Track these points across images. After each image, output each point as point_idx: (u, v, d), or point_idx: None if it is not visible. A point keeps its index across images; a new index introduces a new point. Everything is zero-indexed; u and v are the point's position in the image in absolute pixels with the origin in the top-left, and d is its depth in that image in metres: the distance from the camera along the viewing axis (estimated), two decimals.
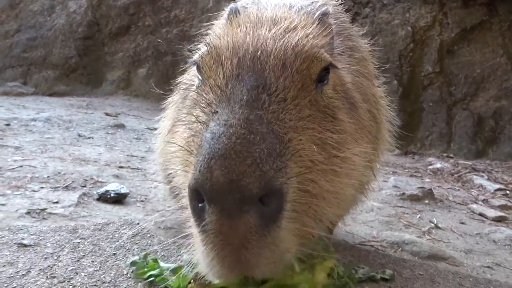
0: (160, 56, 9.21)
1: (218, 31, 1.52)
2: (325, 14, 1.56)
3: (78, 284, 1.35)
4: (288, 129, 1.11)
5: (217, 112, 1.12)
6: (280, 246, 1.04)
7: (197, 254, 1.09)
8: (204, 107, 1.22)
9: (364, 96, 1.78)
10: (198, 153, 1.04)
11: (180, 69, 2.14)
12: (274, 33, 1.34)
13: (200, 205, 1.00)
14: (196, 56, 1.44)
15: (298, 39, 1.32)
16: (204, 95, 1.25)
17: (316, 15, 1.55)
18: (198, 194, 1.00)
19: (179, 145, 1.24)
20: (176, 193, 1.90)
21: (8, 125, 5.14)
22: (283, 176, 1.01)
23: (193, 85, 1.49)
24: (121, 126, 6.07)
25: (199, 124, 1.18)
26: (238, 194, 0.94)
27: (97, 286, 1.35)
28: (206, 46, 1.37)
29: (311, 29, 1.42)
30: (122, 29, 9.66)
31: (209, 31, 1.70)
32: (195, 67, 1.45)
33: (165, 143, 2.29)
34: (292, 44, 1.29)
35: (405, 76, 6.98)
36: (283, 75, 1.22)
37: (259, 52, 1.25)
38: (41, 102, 7.92)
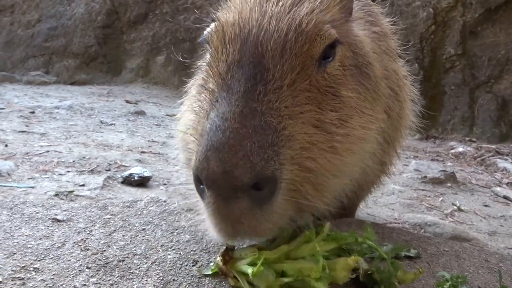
0: (178, 43, 9.23)
1: (230, 2, 1.53)
2: None
3: (111, 256, 1.40)
4: (282, 117, 1.18)
5: (217, 101, 1.21)
6: (275, 218, 1.17)
7: (206, 222, 1.24)
8: (207, 94, 1.30)
9: (385, 71, 1.76)
10: (199, 142, 1.15)
11: (199, 55, 2.15)
12: (279, 9, 1.35)
13: (201, 186, 1.14)
14: (205, 32, 1.48)
15: (302, 16, 1.33)
16: (209, 79, 1.33)
17: None
18: (199, 178, 1.12)
19: (182, 131, 1.34)
20: None
21: (33, 112, 5.27)
22: (274, 164, 1.11)
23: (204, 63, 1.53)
24: (141, 113, 6.16)
25: (202, 110, 1.28)
26: (231, 184, 1.06)
27: (129, 258, 1.40)
28: (215, 22, 1.41)
29: (319, 0, 1.41)
30: (140, 17, 9.70)
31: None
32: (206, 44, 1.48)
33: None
34: (295, 24, 1.31)
35: (427, 59, 6.84)
36: (282, 60, 1.25)
37: (261, 34, 1.28)
38: (63, 90, 8.07)
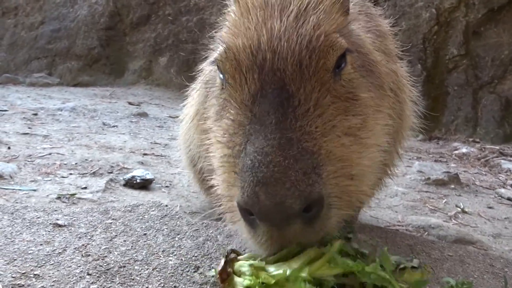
0: (181, 44, 9.24)
1: (230, 21, 1.53)
2: None
3: (112, 261, 1.39)
4: (316, 139, 1.23)
5: (251, 135, 1.25)
6: (324, 228, 1.24)
7: (247, 241, 1.30)
8: (237, 125, 1.32)
9: (384, 68, 1.76)
10: (241, 177, 1.20)
11: (201, 58, 2.15)
12: (285, 25, 1.36)
13: (251, 217, 1.20)
14: (215, 56, 1.48)
15: (310, 30, 1.34)
16: (234, 109, 1.35)
17: None
18: (246, 210, 1.19)
19: (219, 158, 1.37)
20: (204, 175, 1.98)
21: (35, 114, 5.29)
22: (319, 185, 1.17)
23: (215, 82, 1.56)
24: (144, 114, 6.16)
25: (234, 144, 1.30)
26: (283, 214, 1.13)
27: (130, 264, 1.39)
28: (222, 46, 1.41)
29: (322, 7, 1.41)
30: (142, 18, 9.71)
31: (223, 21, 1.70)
32: (214, 65, 1.50)
33: (188, 129, 2.32)
34: (306, 40, 1.32)
35: (429, 60, 6.81)
36: (303, 82, 1.29)
37: (276, 59, 1.31)
38: (66, 92, 8.09)
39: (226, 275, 1.31)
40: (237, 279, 1.30)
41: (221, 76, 1.44)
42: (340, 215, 1.27)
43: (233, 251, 1.40)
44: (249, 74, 1.33)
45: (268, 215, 1.15)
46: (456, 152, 5.53)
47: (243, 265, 1.33)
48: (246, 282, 1.27)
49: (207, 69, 1.97)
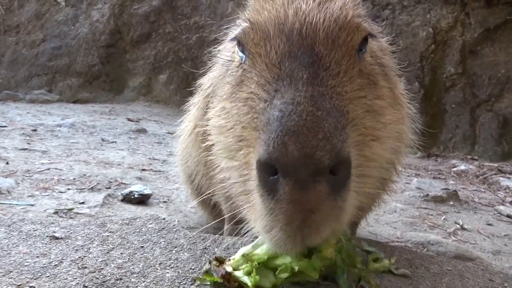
0: (180, 62, 9.33)
1: (254, 3, 1.54)
2: None
3: (108, 274, 1.38)
4: (345, 101, 1.19)
5: (279, 90, 1.17)
6: (347, 209, 1.14)
7: (259, 226, 1.16)
8: (262, 85, 1.24)
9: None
10: (266, 130, 1.09)
11: (200, 73, 2.17)
12: (311, 6, 1.36)
13: (271, 178, 1.06)
14: (237, 32, 1.46)
15: (340, 8, 1.36)
16: (258, 72, 1.28)
17: None
18: (269, 168, 1.06)
19: (238, 121, 1.27)
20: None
21: (35, 130, 5.30)
22: (348, 146, 1.09)
23: (232, 61, 1.51)
24: (143, 131, 6.18)
25: (259, 101, 1.22)
26: (312, 167, 1.02)
27: (127, 276, 1.37)
28: (247, 22, 1.40)
29: None
30: (143, 36, 9.84)
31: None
32: (233, 44, 1.49)
33: (186, 145, 2.32)
34: (335, 16, 1.33)
35: (427, 78, 6.88)
36: (333, 49, 1.27)
37: (305, 26, 1.29)
38: (65, 108, 8.12)
39: (228, 275, 1.32)
40: (237, 273, 1.32)
41: (240, 53, 1.40)
42: (363, 195, 1.21)
43: (216, 259, 1.41)
44: (276, 39, 1.28)
45: (296, 168, 1.03)
46: (455, 169, 5.54)
47: (237, 260, 1.35)
48: (245, 269, 1.30)
49: (207, 82, 1.98)
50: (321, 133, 1.04)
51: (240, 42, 1.39)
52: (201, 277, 1.37)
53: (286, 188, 1.04)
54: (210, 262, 1.40)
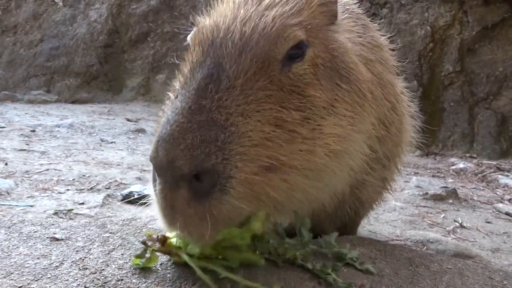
0: (179, 62, 9.31)
1: (214, 7, 1.61)
2: None
3: (110, 275, 1.38)
4: (231, 114, 1.23)
5: (176, 98, 1.32)
6: (219, 215, 1.21)
7: (155, 210, 1.33)
8: (173, 90, 1.43)
9: (379, 79, 1.77)
10: (156, 133, 1.28)
11: None
12: (250, 13, 1.42)
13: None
14: (188, 37, 1.56)
15: (269, 20, 1.39)
16: (180, 76, 1.43)
17: None
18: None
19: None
20: None
21: (33, 131, 5.29)
22: (216, 158, 1.18)
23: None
24: (142, 131, 6.17)
25: (166, 105, 1.43)
26: (173, 172, 1.17)
27: (128, 277, 1.38)
28: (196, 27, 1.51)
29: (293, 3, 1.47)
30: (141, 36, 9.82)
31: None
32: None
33: None
34: (260, 27, 1.37)
35: (425, 76, 6.90)
36: (239, 60, 1.32)
37: (227, 37, 1.37)
38: (64, 109, 8.11)
39: (164, 239, 1.44)
40: (172, 240, 1.45)
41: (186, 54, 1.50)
42: (238, 206, 1.22)
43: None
44: (200, 47, 1.39)
45: (162, 171, 1.19)
46: (454, 167, 5.55)
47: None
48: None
49: None
50: (183, 144, 1.16)
51: (189, 46, 1.49)
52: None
53: (159, 186, 1.22)
54: (144, 243, 1.48)
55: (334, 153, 1.40)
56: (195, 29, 1.52)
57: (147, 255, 1.46)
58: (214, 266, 1.37)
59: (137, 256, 1.47)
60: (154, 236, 1.46)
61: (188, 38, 1.56)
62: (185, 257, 1.39)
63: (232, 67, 1.30)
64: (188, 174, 1.17)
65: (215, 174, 1.19)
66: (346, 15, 1.79)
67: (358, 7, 2.08)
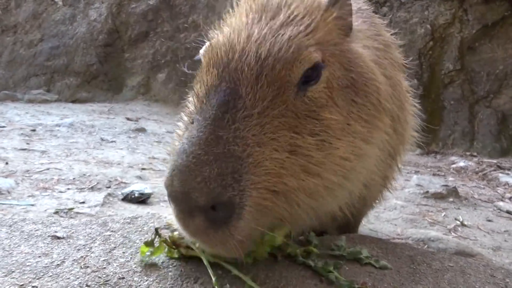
0: (179, 61, 9.32)
1: (226, 21, 1.58)
2: None
3: (111, 273, 1.38)
4: (248, 145, 1.23)
5: (192, 123, 1.30)
6: (238, 237, 1.23)
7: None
8: (189, 113, 1.40)
9: (390, 80, 1.75)
10: (171, 159, 1.27)
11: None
12: (265, 32, 1.38)
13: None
14: (200, 52, 1.53)
15: (284, 41, 1.35)
16: (194, 98, 1.40)
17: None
18: None
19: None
20: None
21: (34, 130, 5.29)
22: (233, 191, 1.18)
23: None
24: (142, 130, 6.17)
25: (181, 129, 1.41)
26: (188, 204, 1.18)
27: (129, 275, 1.37)
28: (208, 42, 1.47)
29: (309, 21, 1.43)
30: (141, 35, 9.82)
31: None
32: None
33: None
34: (275, 49, 1.34)
35: (425, 75, 6.89)
36: (256, 87, 1.29)
37: (242, 59, 1.33)
38: (64, 108, 8.10)
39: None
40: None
41: (199, 71, 1.47)
42: (253, 229, 1.25)
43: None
44: (214, 68, 1.36)
45: (176, 201, 1.20)
46: (454, 165, 5.55)
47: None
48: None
49: None
50: (200, 177, 1.15)
51: (201, 61, 1.47)
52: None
53: (174, 211, 1.25)
54: (156, 230, 1.51)
55: (347, 173, 1.40)
56: (207, 44, 1.48)
57: (156, 243, 1.48)
58: (222, 262, 1.39)
59: (146, 244, 1.48)
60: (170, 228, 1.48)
61: (200, 53, 1.51)
62: (196, 250, 1.42)
63: (249, 95, 1.28)
64: (204, 207, 1.17)
65: (231, 205, 1.19)
66: (359, 16, 1.78)
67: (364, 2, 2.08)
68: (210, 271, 1.36)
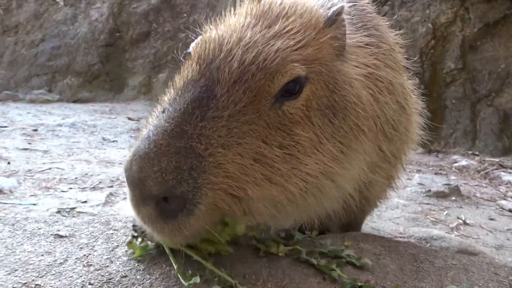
0: (180, 60, 9.30)
1: (223, 19, 1.59)
2: (338, 14, 1.52)
3: (114, 271, 1.38)
4: (211, 145, 1.24)
5: (163, 112, 1.31)
6: (185, 231, 1.24)
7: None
8: (163, 101, 1.41)
9: (390, 86, 1.75)
10: (135, 143, 1.28)
11: None
12: (257, 38, 1.38)
13: None
14: (192, 45, 1.54)
15: (272, 51, 1.35)
16: (173, 87, 1.41)
17: (325, 16, 1.52)
18: None
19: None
20: None
21: (35, 130, 5.30)
22: (187, 186, 1.19)
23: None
24: None
25: (152, 116, 1.40)
26: (142, 190, 1.19)
27: (132, 273, 1.38)
28: (200, 36, 1.49)
29: (301, 37, 1.43)
30: (142, 35, 9.81)
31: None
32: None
33: None
34: (261, 58, 1.34)
35: (427, 74, 6.87)
36: (232, 90, 1.30)
37: (227, 60, 1.34)
38: (65, 108, 8.11)
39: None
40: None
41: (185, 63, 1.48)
42: (202, 226, 1.25)
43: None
44: (197, 64, 1.37)
45: (132, 185, 1.22)
46: (456, 164, 5.53)
47: None
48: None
49: None
50: (157, 166, 1.17)
51: (191, 54, 1.47)
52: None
53: (129, 195, 1.26)
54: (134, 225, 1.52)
55: (312, 189, 1.40)
56: (199, 38, 1.49)
57: (138, 242, 1.50)
58: (193, 254, 1.39)
59: (128, 245, 1.52)
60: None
61: (191, 46, 1.53)
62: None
63: (223, 96, 1.29)
64: (156, 196, 1.19)
65: (183, 200, 1.21)
66: (361, 21, 1.77)
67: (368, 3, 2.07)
68: (171, 258, 1.39)
